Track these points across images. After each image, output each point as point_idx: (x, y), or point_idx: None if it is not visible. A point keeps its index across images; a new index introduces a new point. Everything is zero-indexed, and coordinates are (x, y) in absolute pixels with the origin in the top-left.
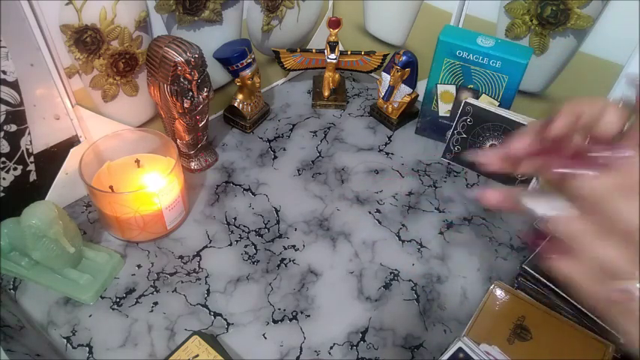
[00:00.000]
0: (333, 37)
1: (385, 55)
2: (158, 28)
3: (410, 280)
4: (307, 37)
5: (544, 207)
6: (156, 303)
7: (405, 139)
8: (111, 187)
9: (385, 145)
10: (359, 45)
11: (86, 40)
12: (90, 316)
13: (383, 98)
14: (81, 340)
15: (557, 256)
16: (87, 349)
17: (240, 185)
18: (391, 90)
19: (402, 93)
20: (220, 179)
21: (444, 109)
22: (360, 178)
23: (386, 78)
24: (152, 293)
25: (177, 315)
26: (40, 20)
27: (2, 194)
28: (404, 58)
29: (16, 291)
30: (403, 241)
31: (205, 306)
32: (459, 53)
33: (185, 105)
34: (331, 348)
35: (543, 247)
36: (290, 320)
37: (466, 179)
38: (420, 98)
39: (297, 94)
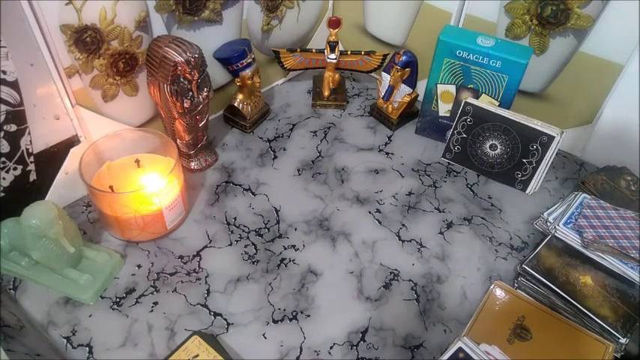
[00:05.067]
0: (333, 37)
1: (385, 55)
2: (158, 28)
3: (410, 280)
4: (307, 37)
5: None
6: (156, 303)
7: (405, 139)
8: (111, 187)
9: (385, 145)
10: (359, 45)
11: (86, 40)
12: (90, 316)
13: (383, 98)
14: (81, 340)
15: None
16: (87, 349)
17: (240, 185)
18: (391, 90)
19: (402, 93)
20: (220, 179)
21: (444, 109)
22: (360, 178)
23: (386, 78)
24: (152, 293)
25: (177, 315)
26: (40, 20)
27: (2, 194)
28: (404, 58)
29: (16, 291)
30: (403, 241)
31: (205, 306)
32: (459, 53)
33: (185, 105)
34: (331, 348)
35: None
36: (290, 320)
37: (466, 179)
38: (420, 98)
39: (297, 94)
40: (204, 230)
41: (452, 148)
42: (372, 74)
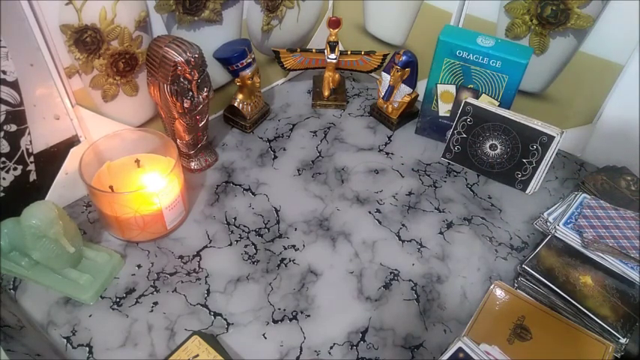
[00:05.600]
0: (333, 37)
1: (385, 55)
2: (158, 28)
3: (410, 280)
4: (307, 37)
5: None
6: (156, 303)
7: (405, 139)
8: (111, 187)
9: (385, 145)
10: (359, 45)
11: (86, 40)
12: (90, 316)
13: (383, 98)
14: (81, 340)
15: None
16: (87, 349)
17: (240, 185)
18: (391, 90)
19: (402, 93)
20: (220, 179)
21: (444, 109)
22: (360, 178)
23: (386, 78)
24: (152, 293)
25: (177, 315)
26: (40, 20)
27: (2, 194)
28: (404, 58)
29: (16, 291)
30: (403, 241)
31: (205, 306)
32: (459, 53)
33: (185, 105)
34: (331, 348)
35: None
36: (290, 320)
37: (466, 179)
38: (420, 98)
39: (297, 94)
40: (204, 230)
41: (452, 148)
42: (372, 74)
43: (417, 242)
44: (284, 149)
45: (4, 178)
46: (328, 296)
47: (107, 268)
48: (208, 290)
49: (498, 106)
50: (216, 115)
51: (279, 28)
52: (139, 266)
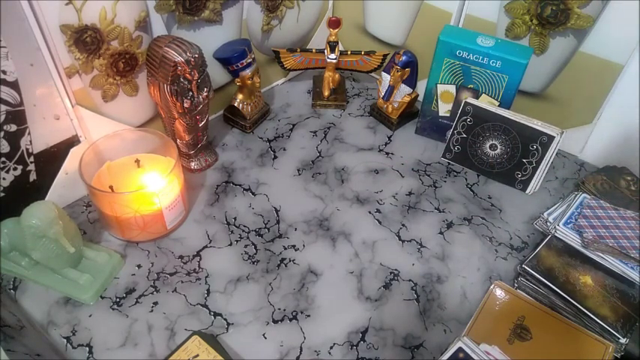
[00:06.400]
0: (333, 37)
1: (385, 55)
2: (158, 28)
3: (410, 280)
4: (307, 37)
5: None
6: (156, 303)
7: (405, 139)
8: (111, 187)
9: (385, 145)
10: (359, 45)
11: (86, 40)
12: (90, 316)
13: (383, 98)
14: (81, 340)
15: None
16: (87, 349)
17: (240, 185)
18: (391, 90)
19: (402, 93)
20: (220, 179)
21: (444, 109)
22: (360, 178)
23: (386, 78)
24: (152, 293)
25: (177, 315)
26: (40, 20)
27: (2, 194)
28: (404, 58)
29: (16, 291)
30: (403, 241)
31: (205, 306)
32: (459, 53)
33: (185, 105)
34: (331, 348)
35: None
36: (290, 320)
37: (466, 179)
38: (420, 98)
39: (297, 94)
40: (204, 230)
41: (452, 148)
42: (372, 74)
43: (417, 242)
44: (284, 149)
45: (4, 178)
46: (328, 296)
47: (107, 268)
48: (208, 290)
49: (498, 106)
50: (216, 115)
51: (279, 28)
52: (139, 266)
